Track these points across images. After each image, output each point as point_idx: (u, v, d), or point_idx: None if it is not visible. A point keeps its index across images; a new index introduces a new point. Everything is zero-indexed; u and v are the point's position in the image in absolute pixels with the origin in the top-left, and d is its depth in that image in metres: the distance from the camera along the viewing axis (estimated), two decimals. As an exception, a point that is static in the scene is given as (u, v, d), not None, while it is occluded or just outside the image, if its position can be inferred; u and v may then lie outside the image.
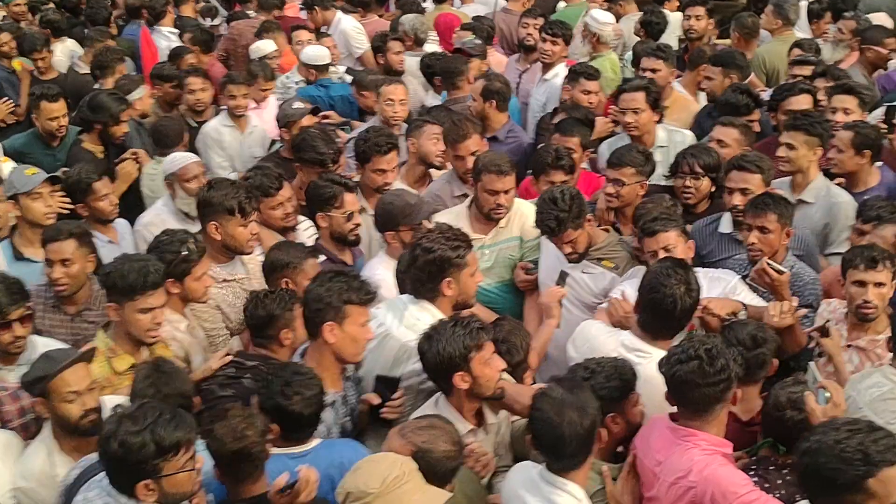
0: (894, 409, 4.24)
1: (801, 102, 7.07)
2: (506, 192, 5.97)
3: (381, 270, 5.58)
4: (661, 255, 5.19)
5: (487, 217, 6.06)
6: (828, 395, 4.04)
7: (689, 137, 7.36)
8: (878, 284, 4.95)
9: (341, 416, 4.62)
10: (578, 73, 7.97)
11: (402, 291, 5.10)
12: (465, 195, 6.47)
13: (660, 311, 4.61)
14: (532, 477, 4.07)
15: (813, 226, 6.15)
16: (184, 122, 8.51)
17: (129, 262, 4.91)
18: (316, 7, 11.27)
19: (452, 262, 4.74)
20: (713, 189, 6.32)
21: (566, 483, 3.98)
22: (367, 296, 4.57)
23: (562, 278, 5.46)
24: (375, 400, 4.65)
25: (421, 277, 4.76)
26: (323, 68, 9.40)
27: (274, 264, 5.45)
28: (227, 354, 4.98)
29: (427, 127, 7.01)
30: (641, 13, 10.44)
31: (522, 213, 6.15)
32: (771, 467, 4.21)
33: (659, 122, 7.29)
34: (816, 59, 8.42)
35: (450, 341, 4.26)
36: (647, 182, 6.26)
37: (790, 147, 6.36)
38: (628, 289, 5.18)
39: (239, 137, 8.44)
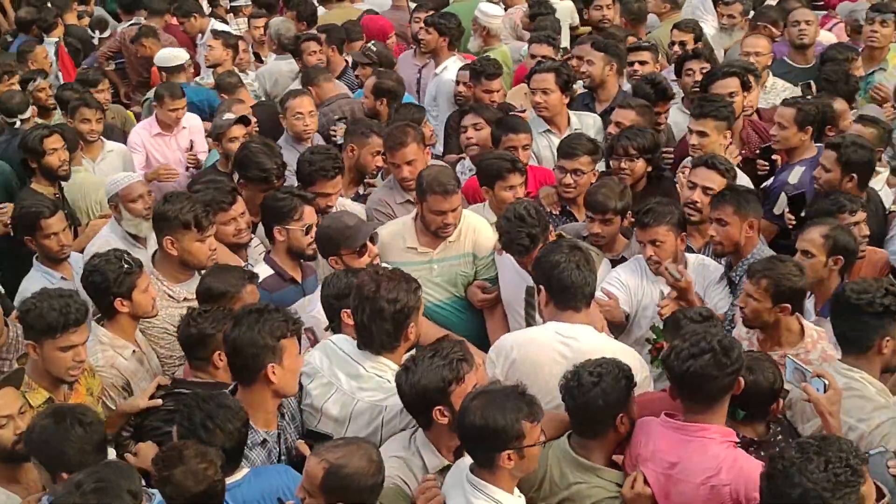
0: (858, 405, 4.25)
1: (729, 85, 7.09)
2: (452, 210, 5.78)
3: None
4: (649, 248, 5.37)
5: (435, 234, 5.88)
6: (825, 381, 4.13)
7: (597, 120, 7.48)
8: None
9: (274, 457, 4.38)
10: (479, 73, 7.88)
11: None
12: (409, 201, 6.32)
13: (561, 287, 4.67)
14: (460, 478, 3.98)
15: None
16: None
17: (49, 300, 4.65)
18: (194, 15, 11.20)
19: (415, 307, 4.48)
20: (649, 170, 6.47)
21: (487, 486, 3.87)
22: (295, 325, 4.32)
23: (529, 294, 5.34)
24: (306, 451, 4.29)
25: (388, 330, 4.40)
26: (174, 70, 9.28)
27: (209, 292, 5.15)
28: (159, 387, 4.79)
29: (372, 139, 6.86)
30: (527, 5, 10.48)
31: (474, 227, 5.96)
32: (750, 448, 4.21)
33: (569, 105, 7.42)
34: (650, 44, 8.61)
35: (427, 374, 4.03)
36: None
37: (702, 134, 6.46)
38: (608, 287, 5.41)
39: (89, 165, 7.91)
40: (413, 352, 4.42)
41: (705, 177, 5.88)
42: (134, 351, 5.12)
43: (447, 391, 4.02)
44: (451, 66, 8.70)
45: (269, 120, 8.14)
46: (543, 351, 4.60)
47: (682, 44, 8.38)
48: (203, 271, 5.46)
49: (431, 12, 9.50)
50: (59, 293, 4.78)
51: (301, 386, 4.48)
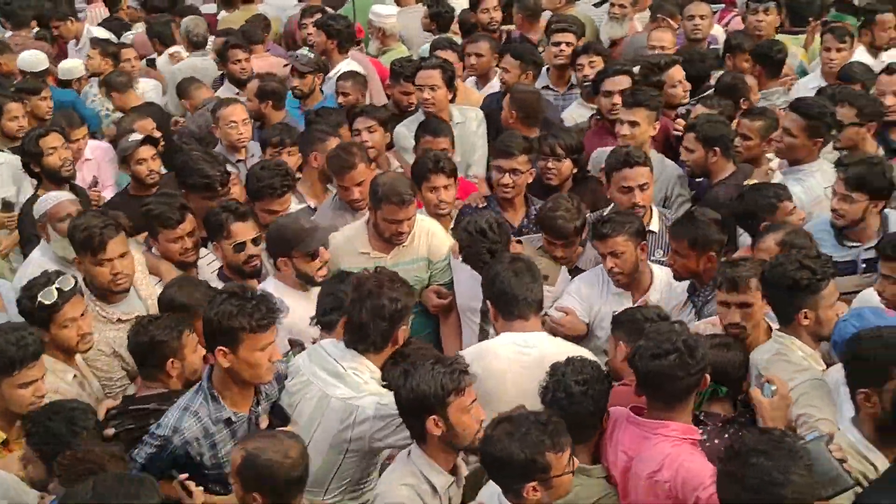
0: (783, 367, 4.37)
1: (621, 83, 7.10)
2: (408, 219, 5.69)
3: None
4: (609, 259, 5.27)
5: (388, 241, 5.78)
6: (773, 388, 4.14)
7: (479, 114, 7.50)
8: (743, 305, 4.70)
9: None
10: (398, 74, 7.78)
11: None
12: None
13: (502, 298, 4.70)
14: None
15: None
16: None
17: (2, 335, 4.39)
18: (70, 18, 10.97)
19: (410, 310, 4.48)
20: (575, 171, 6.42)
21: None
22: (262, 321, 4.15)
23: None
24: (264, 423, 4.30)
25: (384, 329, 4.37)
26: (38, 75, 8.99)
27: (171, 303, 4.98)
28: (108, 411, 4.58)
29: (330, 140, 6.67)
30: (426, 6, 10.34)
31: (427, 230, 5.88)
32: (719, 423, 4.31)
33: (452, 100, 7.41)
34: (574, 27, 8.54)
35: (426, 379, 3.96)
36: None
37: (633, 124, 6.47)
38: (567, 300, 5.43)
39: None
40: None
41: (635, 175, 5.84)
42: (75, 375, 4.91)
43: (445, 401, 3.95)
44: (344, 68, 8.53)
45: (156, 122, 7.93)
46: (504, 363, 4.59)
47: (568, 44, 8.30)
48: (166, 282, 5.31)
49: (318, 14, 9.38)
50: (12, 326, 4.55)
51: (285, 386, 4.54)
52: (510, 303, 4.65)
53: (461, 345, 5.46)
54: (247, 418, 4.32)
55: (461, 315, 5.68)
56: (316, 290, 5.24)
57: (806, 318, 4.43)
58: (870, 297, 4.89)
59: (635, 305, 5.10)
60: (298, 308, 5.05)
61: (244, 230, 5.58)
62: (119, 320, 5.19)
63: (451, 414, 3.97)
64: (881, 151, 6.36)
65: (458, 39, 9.35)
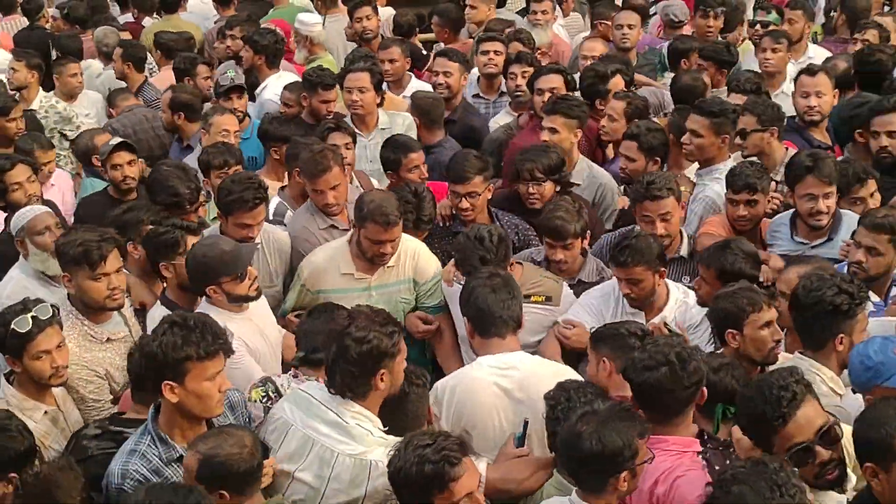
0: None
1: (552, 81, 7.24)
2: (391, 241, 5.53)
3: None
4: (626, 285, 5.12)
5: (370, 261, 5.65)
6: None
7: (409, 119, 7.48)
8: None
9: None
10: (315, 84, 7.64)
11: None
12: (333, 226, 6.09)
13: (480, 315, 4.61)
14: None
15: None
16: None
17: None
18: None
19: (388, 352, 4.12)
20: (558, 189, 6.21)
21: None
22: (209, 347, 4.00)
23: None
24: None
25: (353, 373, 4.07)
26: None
27: None
28: (88, 430, 4.50)
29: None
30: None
31: (413, 251, 5.75)
32: (720, 447, 4.19)
33: (380, 105, 7.43)
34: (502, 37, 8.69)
35: (412, 465, 3.68)
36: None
37: (553, 131, 6.55)
38: (572, 313, 5.26)
39: None
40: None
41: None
42: (46, 411, 4.72)
43: (431, 494, 3.66)
44: (272, 85, 8.49)
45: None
46: (482, 389, 4.47)
47: (496, 52, 8.39)
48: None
49: (237, 28, 9.28)
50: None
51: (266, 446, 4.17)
52: (486, 320, 4.56)
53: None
54: None
55: (461, 343, 5.52)
56: (253, 307, 5.17)
57: (841, 343, 4.38)
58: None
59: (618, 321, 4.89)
60: (237, 330, 4.86)
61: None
62: (108, 340, 5.10)
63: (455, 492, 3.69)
64: (790, 152, 6.43)
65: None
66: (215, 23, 10.65)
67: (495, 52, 8.32)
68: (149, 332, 4.71)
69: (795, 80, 7.15)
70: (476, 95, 8.46)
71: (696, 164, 6.57)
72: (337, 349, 4.10)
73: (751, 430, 3.88)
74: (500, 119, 7.93)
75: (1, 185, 6.39)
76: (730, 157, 6.41)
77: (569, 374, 4.57)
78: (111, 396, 5.04)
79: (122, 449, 4.11)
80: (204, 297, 5.17)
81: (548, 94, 7.08)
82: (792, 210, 5.81)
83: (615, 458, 3.67)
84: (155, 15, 11.30)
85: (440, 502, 3.64)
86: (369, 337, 4.07)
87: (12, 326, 4.57)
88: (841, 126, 7.00)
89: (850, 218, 5.61)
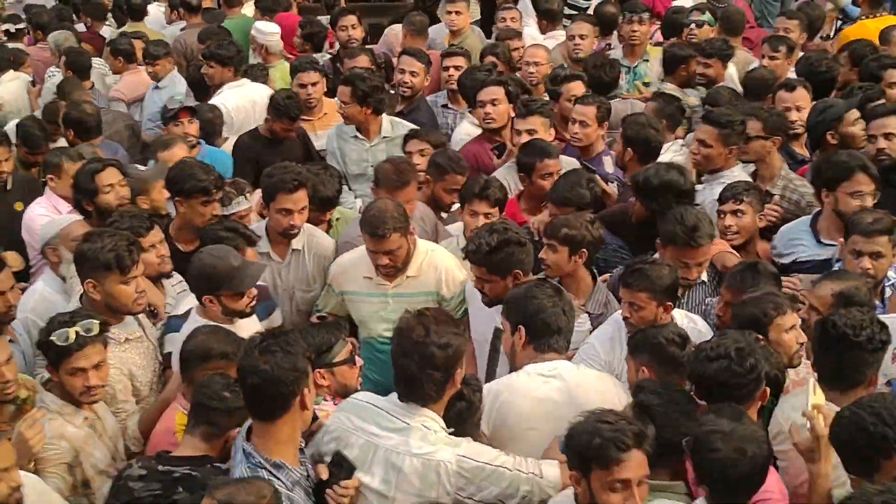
0: None
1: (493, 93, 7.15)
2: (386, 253, 5.45)
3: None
4: (627, 308, 4.92)
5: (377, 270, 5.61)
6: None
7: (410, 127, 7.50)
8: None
9: (311, 493, 4.01)
10: (281, 113, 7.55)
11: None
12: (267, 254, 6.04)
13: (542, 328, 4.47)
14: None
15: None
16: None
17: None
18: None
19: (464, 351, 4.10)
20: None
21: None
22: None
23: (496, 336, 5.06)
24: (324, 474, 3.99)
25: (439, 380, 4.00)
26: None
27: (209, 353, 4.57)
28: (132, 468, 4.27)
29: None
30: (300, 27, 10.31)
31: (439, 265, 5.65)
32: None
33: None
34: (463, 50, 8.85)
35: (588, 436, 3.69)
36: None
37: (531, 132, 6.61)
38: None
39: None
40: None
41: None
42: (86, 417, 4.63)
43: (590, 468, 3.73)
44: (227, 93, 8.49)
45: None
46: (527, 396, 4.39)
47: (457, 67, 8.43)
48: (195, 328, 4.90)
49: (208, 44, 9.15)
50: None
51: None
52: (553, 337, 4.46)
53: (477, 372, 5.26)
54: (306, 472, 4.00)
55: (475, 345, 5.42)
56: (243, 322, 5.13)
57: (874, 377, 4.29)
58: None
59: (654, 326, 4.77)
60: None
61: (252, 256, 5.53)
62: (126, 340, 5.08)
63: None
64: (786, 165, 6.67)
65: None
66: (181, 30, 10.58)
67: (455, 67, 8.37)
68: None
69: (774, 93, 7.30)
70: (444, 105, 8.48)
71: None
72: (420, 359, 3.98)
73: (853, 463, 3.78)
74: (463, 129, 7.88)
75: (91, 187, 6.10)
76: (738, 164, 6.52)
77: (609, 380, 4.60)
78: (135, 399, 5.02)
79: None
80: (194, 308, 5.21)
81: (489, 106, 7.12)
82: (809, 216, 5.90)
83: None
84: (108, 23, 11.33)
85: (597, 477, 3.68)
86: (451, 341, 4.02)
87: (52, 337, 4.50)
88: (809, 133, 7.09)
89: None
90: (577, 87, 7.63)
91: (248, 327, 5.12)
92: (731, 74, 8.46)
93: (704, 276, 5.54)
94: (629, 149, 6.46)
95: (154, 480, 4.12)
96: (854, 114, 6.69)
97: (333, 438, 4.10)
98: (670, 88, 8.20)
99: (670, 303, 4.94)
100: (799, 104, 7.03)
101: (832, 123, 6.67)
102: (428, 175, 6.48)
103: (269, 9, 10.66)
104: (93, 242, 5.00)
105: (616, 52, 9.29)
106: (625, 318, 4.96)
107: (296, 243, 6.04)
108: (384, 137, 7.40)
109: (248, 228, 5.78)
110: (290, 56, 9.91)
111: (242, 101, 8.42)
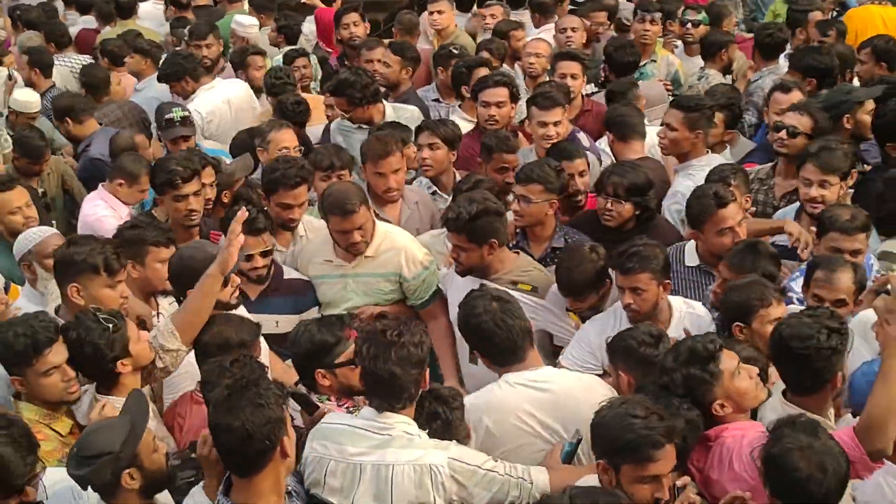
0: None
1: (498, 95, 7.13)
2: (357, 228, 5.52)
3: None
4: (628, 295, 4.90)
5: (346, 250, 5.67)
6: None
7: (416, 112, 7.61)
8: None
9: None
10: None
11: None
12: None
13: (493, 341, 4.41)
14: None
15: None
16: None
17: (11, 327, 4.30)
18: None
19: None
20: (637, 213, 5.85)
21: None
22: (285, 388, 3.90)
23: None
24: None
25: (416, 378, 3.98)
26: None
27: (227, 343, 4.50)
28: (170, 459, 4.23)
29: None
30: (274, 20, 10.45)
31: (400, 247, 5.68)
32: None
33: None
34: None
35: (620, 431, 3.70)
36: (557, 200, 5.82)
37: (556, 124, 6.59)
38: (575, 351, 5.07)
39: None
40: None
41: None
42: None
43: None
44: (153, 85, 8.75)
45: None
46: (512, 413, 4.33)
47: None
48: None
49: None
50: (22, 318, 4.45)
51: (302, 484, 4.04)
52: (498, 352, 4.40)
53: (456, 358, 5.42)
54: None
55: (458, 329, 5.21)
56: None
57: (838, 379, 4.26)
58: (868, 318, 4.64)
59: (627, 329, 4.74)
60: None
61: (254, 244, 5.52)
62: None
63: None
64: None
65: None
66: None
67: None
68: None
69: (768, 96, 7.21)
70: (436, 100, 8.55)
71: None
72: (398, 359, 3.92)
73: None
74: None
75: (180, 195, 6.01)
76: (708, 152, 6.53)
77: (598, 383, 4.53)
78: None
79: None
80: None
81: (494, 108, 7.11)
82: (797, 203, 5.89)
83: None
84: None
85: (628, 470, 3.68)
86: (423, 339, 4.01)
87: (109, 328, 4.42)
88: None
89: None
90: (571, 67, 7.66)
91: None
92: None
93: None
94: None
95: (188, 468, 4.12)
96: (871, 104, 6.67)
97: (312, 470, 4.02)
98: (713, 74, 8.28)
99: (668, 280, 4.99)
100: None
101: (854, 105, 6.68)
102: (480, 159, 6.62)
103: (263, 6, 10.74)
104: (78, 246, 4.93)
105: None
106: (627, 307, 4.94)
107: (300, 230, 6.11)
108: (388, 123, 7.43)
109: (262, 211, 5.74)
110: (328, 51, 10.09)
111: (216, 103, 8.32)
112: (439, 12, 9.91)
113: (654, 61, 8.94)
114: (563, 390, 4.34)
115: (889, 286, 3.86)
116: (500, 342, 4.36)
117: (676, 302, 5.10)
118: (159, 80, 8.41)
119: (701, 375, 4.03)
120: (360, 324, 4.21)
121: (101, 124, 7.97)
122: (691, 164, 6.38)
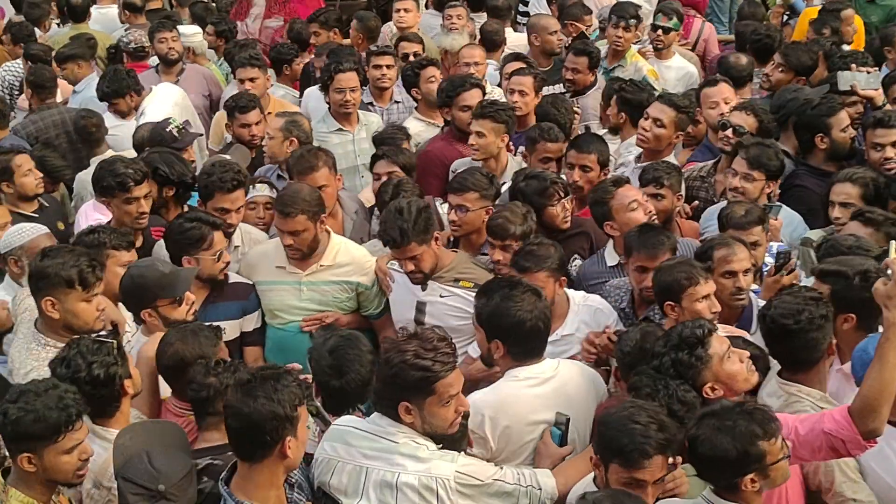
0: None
1: (474, 96, 7.21)
2: (290, 233, 5.52)
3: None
4: None
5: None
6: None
7: (377, 118, 7.86)
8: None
9: None
10: (232, 108, 7.49)
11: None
12: None
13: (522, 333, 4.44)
14: None
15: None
16: None
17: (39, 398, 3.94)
18: None
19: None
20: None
21: None
22: (308, 390, 4.03)
23: (419, 310, 5.19)
24: None
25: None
26: None
27: (182, 362, 4.50)
28: None
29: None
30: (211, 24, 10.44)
31: (353, 255, 5.75)
32: None
33: None
34: (391, 50, 8.78)
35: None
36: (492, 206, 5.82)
37: (479, 135, 6.62)
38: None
39: None
40: None
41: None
42: None
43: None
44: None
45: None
46: (526, 406, 4.40)
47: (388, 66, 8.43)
48: (162, 336, 4.74)
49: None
50: (49, 384, 4.04)
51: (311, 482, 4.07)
52: (535, 347, 4.47)
53: None
54: None
55: (397, 329, 5.42)
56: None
57: (830, 352, 4.44)
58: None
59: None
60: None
61: (221, 239, 5.55)
62: None
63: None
64: None
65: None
66: (126, 30, 10.43)
67: (387, 66, 8.36)
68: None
69: (697, 92, 7.29)
70: (370, 104, 8.38)
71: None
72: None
73: None
74: (414, 126, 7.81)
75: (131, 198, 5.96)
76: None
77: (596, 376, 4.68)
78: None
79: None
80: (140, 327, 5.14)
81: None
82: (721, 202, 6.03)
83: (731, 463, 3.69)
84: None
85: (615, 470, 3.76)
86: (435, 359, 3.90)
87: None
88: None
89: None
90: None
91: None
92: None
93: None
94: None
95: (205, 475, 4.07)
96: (844, 121, 6.58)
97: (321, 470, 4.05)
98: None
99: (564, 277, 5.16)
100: (726, 97, 6.99)
101: (828, 125, 6.56)
102: (525, 151, 6.72)
103: (199, 16, 10.77)
104: (52, 258, 4.82)
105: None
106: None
107: (235, 239, 6.07)
108: (365, 125, 7.49)
109: (212, 215, 5.72)
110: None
111: (168, 110, 8.07)
112: (405, 10, 9.89)
113: (622, 66, 8.80)
114: (565, 378, 4.47)
115: (890, 271, 3.89)
116: (537, 338, 4.45)
117: (575, 295, 5.23)
118: (101, 99, 8.26)
119: (689, 360, 4.17)
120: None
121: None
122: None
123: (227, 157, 6.86)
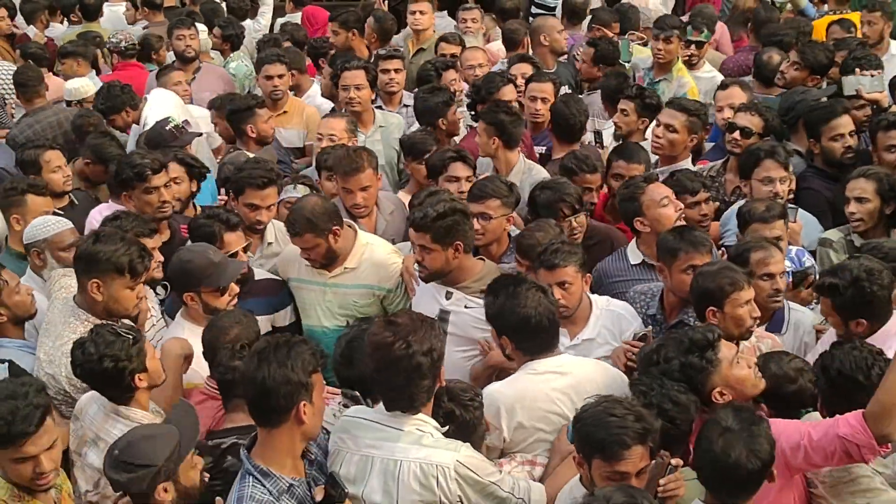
0: None
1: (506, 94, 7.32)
2: (306, 248, 5.52)
3: (184, 335, 5.03)
4: (557, 290, 4.86)
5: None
6: None
7: (401, 119, 7.83)
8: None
9: None
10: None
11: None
12: None
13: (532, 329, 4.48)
14: None
15: (521, 209, 6.17)
16: None
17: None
18: None
19: (444, 348, 4.08)
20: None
21: None
22: (323, 358, 3.94)
23: (442, 319, 5.04)
24: (319, 496, 3.78)
25: (428, 386, 4.01)
26: None
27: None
28: None
29: None
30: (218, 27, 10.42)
31: (377, 258, 5.67)
32: None
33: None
34: (400, 53, 8.89)
35: None
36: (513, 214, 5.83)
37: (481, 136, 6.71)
38: None
39: None
40: None
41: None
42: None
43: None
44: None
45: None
46: (544, 399, 4.46)
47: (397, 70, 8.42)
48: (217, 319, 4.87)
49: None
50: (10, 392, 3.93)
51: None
52: (546, 341, 4.51)
53: None
54: (307, 483, 3.91)
55: None
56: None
57: None
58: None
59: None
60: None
61: (236, 240, 5.59)
62: None
63: None
64: None
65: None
66: (144, 28, 10.60)
67: (395, 70, 8.32)
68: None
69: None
70: (378, 107, 8.31)
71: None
72: (408, 372, 3.94)
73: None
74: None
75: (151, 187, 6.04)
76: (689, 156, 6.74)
77: (615, 373, 4.65)
78: None
79: (229, 500, 3.89)
80: (181, 310, 5.27)
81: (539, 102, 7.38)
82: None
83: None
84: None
85: (598, 465, 3.82)
86: (434, 345, 3.99)
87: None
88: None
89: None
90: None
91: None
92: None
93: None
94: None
95: (205, 455, 4.20)
96: (841, 127, 6.64)
97: (332, 461, 4.12)
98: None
99: (589, 273, 5.21)
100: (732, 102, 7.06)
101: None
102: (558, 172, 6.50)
103: (207, 16, 10.73)
104: (105, 244, 4.91)
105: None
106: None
107: (268, 236, 6.13)
108: (381, 127, 7.50)
109: (231, 213, 5.81)
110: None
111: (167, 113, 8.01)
112: (421, 12, 9.89)
113: (668, 80, 8.70)
114: (583, 375, 4.50)
115: None
116: (545, 332, 4.49)
117: (598, 300, 5.19)
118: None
119: (699, 363, 4.22)
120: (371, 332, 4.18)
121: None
122: (677, 167, 6.52)
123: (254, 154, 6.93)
